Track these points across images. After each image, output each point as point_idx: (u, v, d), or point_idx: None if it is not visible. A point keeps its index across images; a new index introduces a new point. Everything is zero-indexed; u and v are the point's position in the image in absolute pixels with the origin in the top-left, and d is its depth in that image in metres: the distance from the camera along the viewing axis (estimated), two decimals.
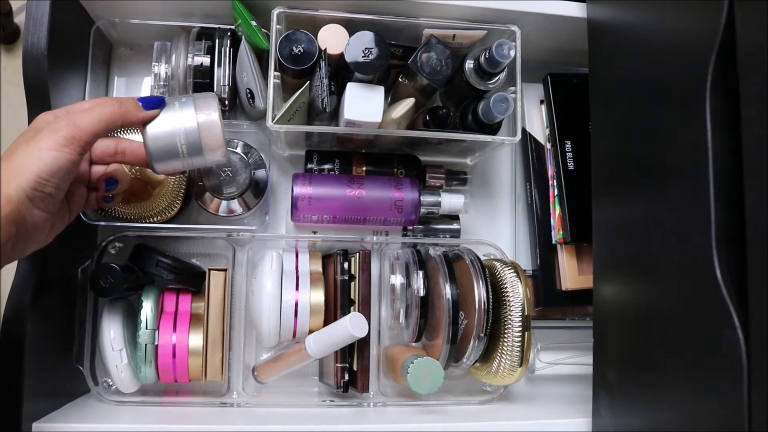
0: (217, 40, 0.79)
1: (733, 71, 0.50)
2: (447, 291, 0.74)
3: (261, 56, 0.80)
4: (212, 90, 0.78)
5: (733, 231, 0.50)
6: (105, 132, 0.60)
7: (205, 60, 0.78)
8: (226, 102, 0.78)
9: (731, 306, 0.49)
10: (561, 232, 0.87)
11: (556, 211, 0.88)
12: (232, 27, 0.79)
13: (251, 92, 0.78)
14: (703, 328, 0.53)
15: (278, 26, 0.75)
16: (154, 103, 0.64)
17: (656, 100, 0.61)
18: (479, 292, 0.73)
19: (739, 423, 0.49)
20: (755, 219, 0.48)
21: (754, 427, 0.48)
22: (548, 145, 0.90)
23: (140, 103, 0.63)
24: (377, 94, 0.74)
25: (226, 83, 0.78)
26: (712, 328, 0.51)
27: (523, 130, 0.91)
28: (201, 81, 0.78)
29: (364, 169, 0.87)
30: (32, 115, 0.69)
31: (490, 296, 0.74)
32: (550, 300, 0.90)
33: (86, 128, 0.58)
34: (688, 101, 0.55)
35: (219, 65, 0.78)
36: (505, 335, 0.75)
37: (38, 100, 0.70)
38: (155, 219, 0.79)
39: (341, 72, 0.76)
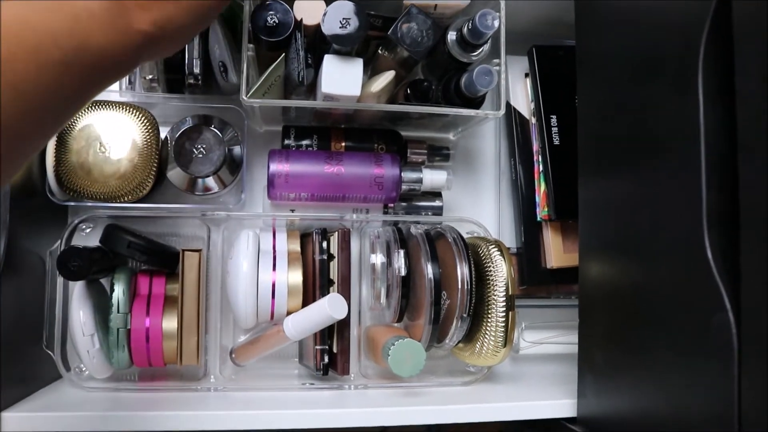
0: None
1: (727, 43, 0.48)
2: (429, 270, 0.73)
3: (236, 27, 0.77)
4: (183, 64, 0.75)
5: (725, 211, 0.48)
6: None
7: None
8: (199, 77, 0.75)
9: (722, 288, 0.48)
10: (546, 209, 0.85)
11: (541, 188, 0.86)
12: None
13: (224, 65, 0.75)
14: (692, 310, 0.52)
15: None
16: None
17: (646, 74, 0.59)
18: (462, 271, 0.72)
19: (728, 406, 0.47)
20: (749, 198, 0.46)
21: (744, 410, 0.47)
22: (533, 120, 0.88)
23: None
24: (356, 66, 0.72)
25: (197, 56, 0.74)
26: (703, 311, 0.50)
27: (508, 104, 0.89)
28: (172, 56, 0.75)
29: (343, 144, 0.85)
30: None
31: (474, 275, 0.72)
32: (534, 278, 0.89)
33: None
34: (679, 75, 0.52)
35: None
36: (489, 315, 0.73)
37: None
38: (127, 198, 0.76)
39: (318, 44, 0.74)
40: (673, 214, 0.54)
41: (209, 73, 0.79)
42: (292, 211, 0.87)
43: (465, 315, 0.72)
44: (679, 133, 0.52)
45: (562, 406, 0.73)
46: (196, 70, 0.75)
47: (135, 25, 0.43)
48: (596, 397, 0.68)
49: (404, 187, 0.83)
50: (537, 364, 0.90)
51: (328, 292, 0.76)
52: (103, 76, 0.44)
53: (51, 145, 0.74)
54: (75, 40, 0.40)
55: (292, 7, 0.72)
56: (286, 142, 0.84)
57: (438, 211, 0.88)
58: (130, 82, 0.79)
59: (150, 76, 0.77)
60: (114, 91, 0.79)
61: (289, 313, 0.75)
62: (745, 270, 0.47)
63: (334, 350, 0.77)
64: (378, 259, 0.80)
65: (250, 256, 0.75)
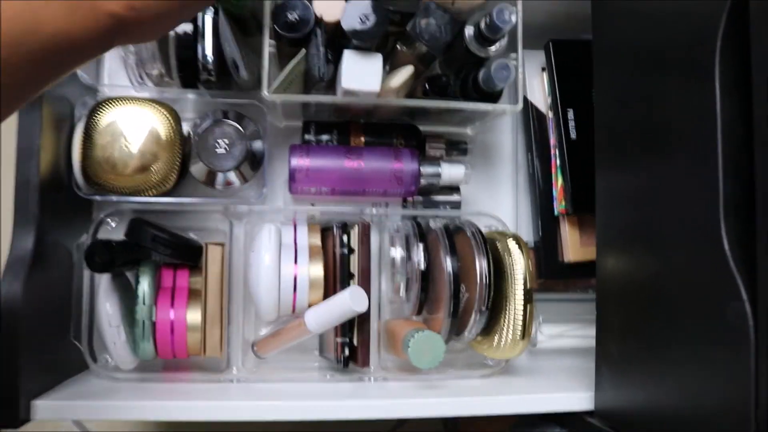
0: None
1: (744, 35, 0.48)
2: (448, 264, 0.74)
3: (246, 24, 0.78)
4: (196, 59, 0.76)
5: (741, 202, 0.49)
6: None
7: (188, 28, 0.75)
8: (212, 72, 0.76)
9: (739, 278, 0.48)
10: (563, 203, 0.86)
11: (558, 182, 0.87)
12: None
13: (235, 63, 0.76)
14: (709, 300, 0.52)
15: None
16: None
17: (662, 66, 0.59)
18: (480, 264, 0.73)
19: (745, 397, 0.48)
20: (765, 187, 0.47)
21: (761, 401, 0.47)
22: (550, 114, 0.88)
23: None
24: (375, 62, 0.72)
25: (211, 52, 0.75)
26: (719, 301, 0.50)
27: (525, 99, 0.89)
28: (185, 52, 0.76)
29: (363, 139, 0.86)
30: None
31: (492, 269, 0.73)
32: (552, 272, 0.89)
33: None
34: (696, 67, 0.53)
35: (201, 36, 0.75)
36: (507, 308, 0.74)
37: None
38: (151, 193, 0.78)
39: (338, 40, 0.74)
40: (690, 205, 0.54)
41: (224, 68, 0.80)
42: (313, 205, 0.88)
43: (483, 308, 0.73)
44: (696, 124, 0.53)
45: (579, 398, 0.73)
46: (210, 66, 0.75)
47: (104, 7, 0.43)
48: (613, 390, 0.68)
49: (423, 181, 0.84)
50: (554, 358, 0.90)
51: (349, 286, 0.77)
52: (62, 59, 0.43)
53: (77, 140, 0.76)
54: (22, 22, 0.40)
55: (311, 4, 0.73)
56: (307, 137, 0.85)
57: (456, 205, 0.88)
58: (141, 78, 0.81)
59: (155, 71, 0.78)
60: (127, 86, 0.81)
61: (310, 305, 0.76)
62: (761, 259, 0.47)
63: (355, 343, 0.78)
64: (398, 252, 0.80)
65: (272, 250, 0.76)
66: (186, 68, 0.77)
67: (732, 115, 0.50)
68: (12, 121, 0.69)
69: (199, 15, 0.75)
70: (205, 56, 0.75)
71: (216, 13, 0.75)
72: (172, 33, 0.75)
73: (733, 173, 0.49)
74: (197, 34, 0.75)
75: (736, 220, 0.49)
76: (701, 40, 0.52)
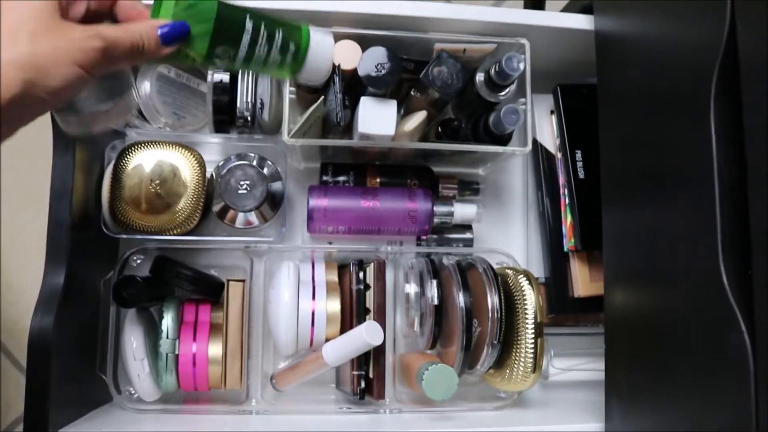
0: None
1: (737, 81, 0.51)
2: (460, 299, 0.76)
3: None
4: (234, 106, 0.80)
5: (738, 238, 0.51)
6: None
7: (225, 77, 0.80)
8: (248, 120, 0.80)
9: (737, 310, 0.50)
10: (572, 240, 0.87)
11: (567, 220, 0.89)
12: None
13: (262, 102, 0.79)
14: (710, 332, 0.54)
15: None
16: (177, 34, 0.53)
17: (662, 111, 0.62)
18: (492, 299, 0.74)
19: (746, 425, 0.49)
20: (759, 227, 0.49)
21: (761, 427, 0.49)
22: (559, 155, 0.91)
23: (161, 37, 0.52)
24: (390, 107, 0.75)
25: (250, 99, 0.79)
26: (720, 333, 0.52)
27: (534, 141, 0.92)
28: (221, 96, 0.80)
29: (378, 180, 0.89)
30: None
31: (503, 304, 0.75)
32: (562, 307, 0.90)
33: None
34: (693, 111, 0.56)
35: (242, 79, 0.79)
36: (519, 342, 0.76)
37: None
38: (175, 231, 0.81)
39: (355, 86, 0.77)
40: (690, 242, 0.56)
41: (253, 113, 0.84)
42: (330, 243, 0.91)
43: (495, 342, 0.74)
44: (694, 165, 0.55)
45: (590, 430, 0.75)
46: (246, 114, 0.79)
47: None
48: (622, 421, 0.70)
49: (436, 220, 0.86)
50: (566, 391, 0.91)
51: (365, 320, 0.78)
52: None
53: (106, 182, 0.79)
54: None
55: None
56: (324, 178, 0.88)
57: (469, 242, 0.90)
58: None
59: (162, 122, 0.81)
60: (155, 131, 0.85)
61: (327, 340, 0.78)
62: (758, 293, 0.49)
63: (371, 376, 0.80)
64: (412, 288, 0.83)
65: (291, 286, 0.79)
66: (222, 113, 0.81)
67: (727, 156, 0.52)
68: (46, 162, 0.73)
69: None
70: (246, 103, 0.79)
71: None
72: (209, 79, 0.79)
73: (730, 212, 0.52)
74: (235, 78, 0.79)
75: (734, 256, 0.52)
76: (697, 84, 0.55)
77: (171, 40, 0.53)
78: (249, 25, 0.59)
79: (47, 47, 0.44)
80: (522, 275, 0.78)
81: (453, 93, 0.76)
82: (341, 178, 0.88)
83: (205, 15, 0.55)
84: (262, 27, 0.60)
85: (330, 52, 0.68)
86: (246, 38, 0.59)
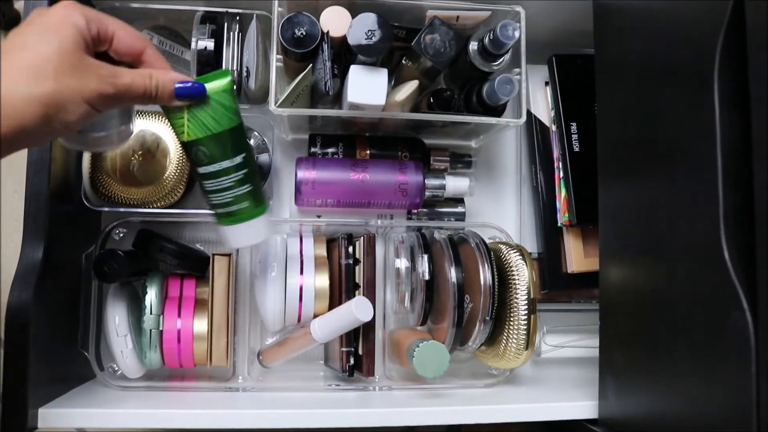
0: (225, 23, 0.78)
1: (742, 50, 0.49)
2: (452, 274, 0.74)
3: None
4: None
5: (741, 212, 0.49)
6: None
7: (209, 44, 0.77)
8: (234, 87, 0.78)
9: (739, 288, 0.49)
10: (566, 215, 0.86)
11: (561, 194, 0.87)
12: (240, 11, 0.78)
13: (248, 71, 0.77)
14: (710, 310, 0.53)
15: (280, 9, 0.74)
16: (192, 94, 0.57)
17: (663, 81, 0.60)
18: (484, 275, 0.73)
19: (746, 406, 0.48)
20: (763, 200, 0.47)
21: (762, 409, 0.48)
22: (553, 127, 0.89)
23: (175, 91, 0.56)
24: (381, 76, 0.74)
25: (235, 68, 0.77)
26: (720, 311, 0.51)
27: (528, 112, 0.90)
28: (205, 65, 0.77)
29: (368, 152, 0.87)
30: None
31: (496, 279, 0.74)
32: (555, 283, 0.90)
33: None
34: (695, 82, 0.54)
35: (228, 46, 0.77)
36: (511, 318, 0.75)
37: None
38: (159, 204, 0.79)
39: (344, 54, 0.76)
40: (690, 216, 0.55)
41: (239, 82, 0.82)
42: (319, 216, 0.89)
43: (487, 318, 0.73)
44: (696, 136, 0.54)
45: (583, 407, 0.74)
46: (234, 78, 0.77)
47: None
48: (617, 399, 0.69)
49: (427, 193, 0.85)
50: (558, 368, 0.91)
51: (354, 296, 0.77)
52: None
53: (87, 153, 0.77)
54: None
55: (318, 20, 0.74)
56: (313, 149, 0.86)
57: (461, 216, 0.89)
58: None
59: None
60: None
61: (315, 316, 0.77)
62: (761, 269, 0.48)
63: (360, 352, 0.79)
64: (402, 263, 0.81)
65: (278, 261, 0.77)
66: None
67: (731, 128, 0.50)
68: None
69: (226, 28, 0.77)
70: (231, 71, 0.77)
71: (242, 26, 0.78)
72: (193, 46, 0.77)
73: (733, 184, 0.50)
74: (221, 45, 0.77)
75: (736, 230, 0.50)
76: (700, 54, 0.53)
77: (185, 97, 0.57)
78: (239, 159, 0.62)
79: (69, 86, 0.47)
80: (515, 250, 0.77)
81: (445, 61, 0.75)
82: (330, 150, 0.86)
83: (223, 121, 0.60)
84: (245, 171, 0.63)
85: (254, 242, 0.69)
86: (226, 164, 0.62)
